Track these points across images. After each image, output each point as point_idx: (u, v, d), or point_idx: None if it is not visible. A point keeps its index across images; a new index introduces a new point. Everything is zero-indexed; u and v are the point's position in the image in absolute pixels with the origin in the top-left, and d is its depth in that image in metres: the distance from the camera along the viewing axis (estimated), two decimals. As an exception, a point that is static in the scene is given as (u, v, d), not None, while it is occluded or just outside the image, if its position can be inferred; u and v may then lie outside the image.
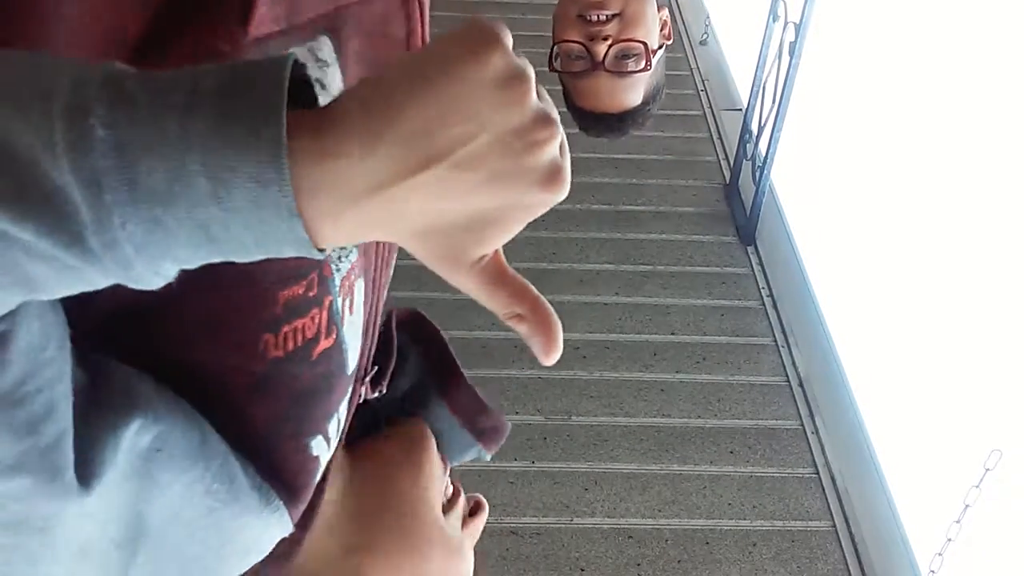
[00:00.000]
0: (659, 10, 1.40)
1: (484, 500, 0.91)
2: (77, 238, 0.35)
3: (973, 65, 4.41)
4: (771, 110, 3.13)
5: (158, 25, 0.46)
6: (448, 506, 0.84)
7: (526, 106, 0.41)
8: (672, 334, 2.97)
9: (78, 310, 0.41)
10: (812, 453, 2.62)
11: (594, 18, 1.35)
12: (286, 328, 0.51)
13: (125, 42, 0.45)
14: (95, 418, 0.42)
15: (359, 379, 0.69)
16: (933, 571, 2.08)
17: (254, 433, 0.52)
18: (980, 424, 2.66)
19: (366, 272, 0.62)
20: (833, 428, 2.69)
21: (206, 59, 0.46)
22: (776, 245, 3.28)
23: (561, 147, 0.43)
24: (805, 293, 3.04)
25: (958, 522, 2.02)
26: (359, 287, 0.61)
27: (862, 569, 2.35)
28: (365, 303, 0.63)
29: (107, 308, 0.44)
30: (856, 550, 2.39)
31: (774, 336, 2.99)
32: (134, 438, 0.43)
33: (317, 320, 0.54)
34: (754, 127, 3.34)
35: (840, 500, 2.51)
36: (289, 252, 0.39)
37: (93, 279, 0.37)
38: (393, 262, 0.72)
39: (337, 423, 0.61)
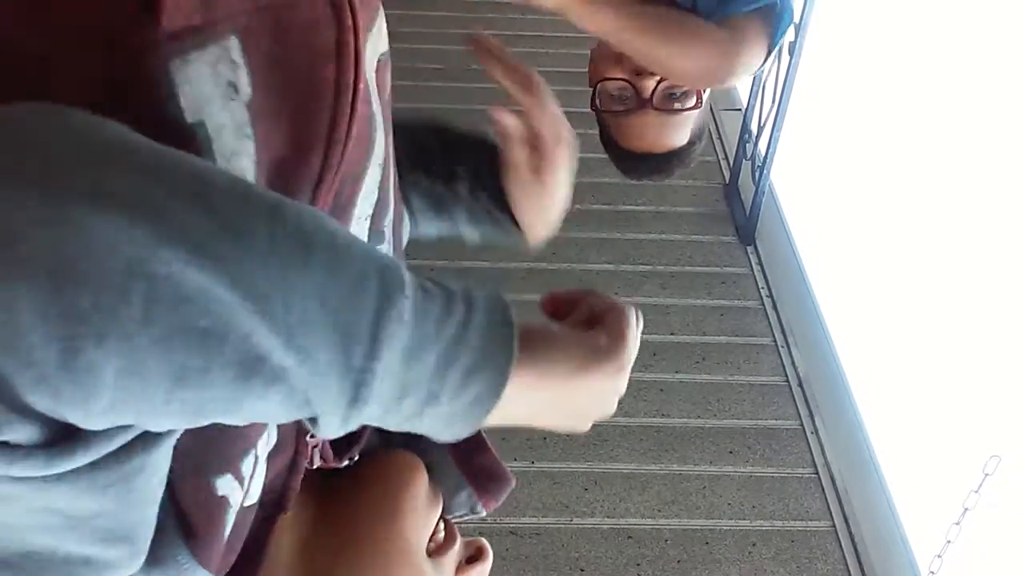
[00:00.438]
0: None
1: (487, 547, 0.85)
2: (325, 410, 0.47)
3: (973, 64, 4.41)
4: (771, 110, 3.13)
5: None
6: (439, 549, 0.78)
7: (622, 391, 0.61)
8: (671, 334, 2.97)
9: None
10: (812, 453, 2.62)
11: None
12: None
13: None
14: None
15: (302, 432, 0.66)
16: (932, 572, 2.09)
17: None
18: (980, 423, 2.67)
19: None
20: (833, 428, 2.69)
21: (114, 48, 0.46)
22: (776, 245, 3.28)
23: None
24: (805, 293, 3.04)
25: (958, 524, 2.02)
26: None
27: (862, 569, 2.35)
28: None
29: None
30: (856, 550, 2.39)
31: (774, 336, 2.98)
32: None
33: None
34: (754, 127, 3.34)
35: (840, 500, 2.51)
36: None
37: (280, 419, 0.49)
38: None
39: (254, 461, 0.58)
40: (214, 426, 0.46)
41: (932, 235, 3.64)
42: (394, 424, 0.50)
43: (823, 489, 2.53)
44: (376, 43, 0.63)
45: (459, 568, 0.80)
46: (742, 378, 2.83)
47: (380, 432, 0.72)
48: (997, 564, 2.50)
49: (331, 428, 0.48)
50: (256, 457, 0.59)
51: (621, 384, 0.60)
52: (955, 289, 3.39)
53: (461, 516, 0.84)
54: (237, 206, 0.41)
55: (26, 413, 0.36)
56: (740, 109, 3.65)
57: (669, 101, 1.30)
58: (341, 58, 0.57)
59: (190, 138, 0.48)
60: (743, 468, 2.57)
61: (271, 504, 0.65)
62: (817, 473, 2.57)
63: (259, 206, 0.42)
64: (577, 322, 0.61)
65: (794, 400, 2.77)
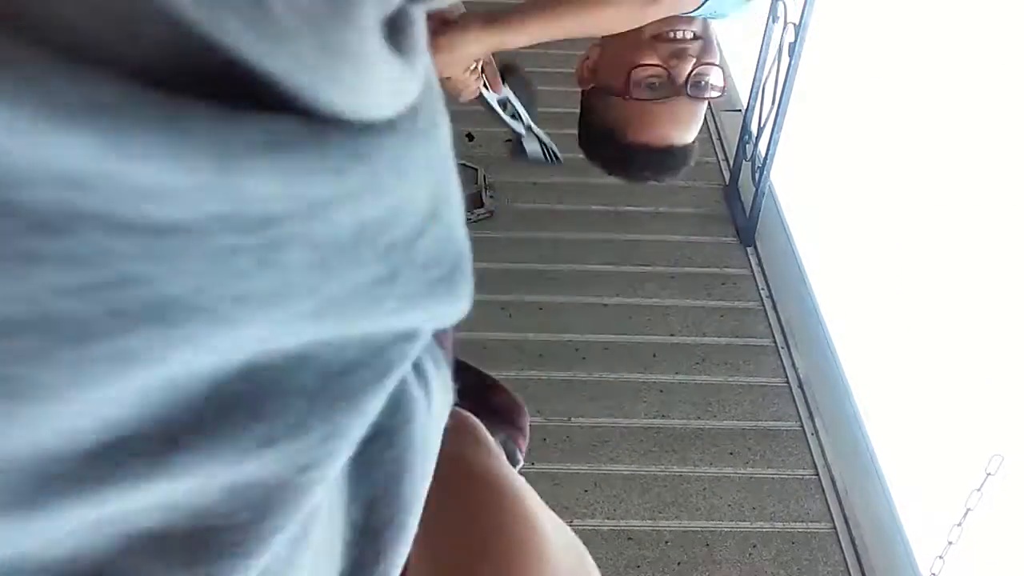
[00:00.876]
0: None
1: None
2: None
3: (973, 65, 4.41)
4: (770, 111, 3.13)
5: None
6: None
7: None
8: (671, 335, 2.96)
9: None
10: (812, 454, 2.62)
11: (679, 35, 1.26)
12: None
13: None
14: None
15: None
16: (934, 573, 2.08)
17: None
18: (980, 426, 2.66)
19: None
20: (833, 429, 2.69)
21: None
22: (776, 246, 3.28)
23: None
24: (805, 294, 3.04)
25: (959, 525, 2.02)
26: None
27: (862, 571, 2.35)
28: None
29: None
30: (856, 552, 2.39)
31: (774, 337, 2.98)
32: None
33: None
34: (753, 128, 3.33)
35: (840, 502, 2.50)
36: None
37: None
38: None
39: None
40: None
41: (932, 235, 3.64)
42: None
43: (823, 490, 2.53)
44: None
45: None
46: (742, 379, 2.83)
47: None
48: (999, 565, 2.50)
49: None
50: None
51: None
52: (955, 288, 3.38)
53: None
54: None
55: None
56: (740, 110, 3.65)
57: (699, 88, 1.28)
58: None
59: None
60: (743, 469, 2.57)
61: None
62: (817, 474, 2.57)
63: None
64: None
65: (794, 401, 2.77)
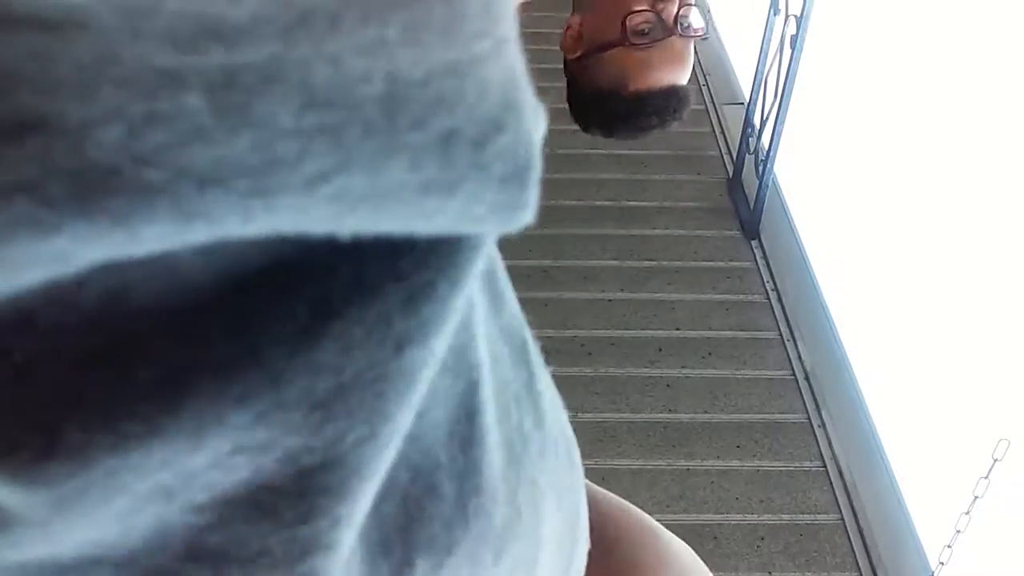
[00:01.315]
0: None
1: None
2: None
3: (976, 57, 4.40)
4: (773, 104, 3.13)
5: None
6: None
7: None
8: (677, 329, 2.97)
9: None
10: (819, 446, 2.62)
11: None
12: None
13: None
14: None
15: None
16: (943, 563, 2.08)
17: None
18: (988, 415, 2.66)
19: None
20: (840, 421, 2.69)
21: None
22: (780, 239, 3.28)
23: None
24: (810, 286, 3.04)
25: (967, 513, 2.02)
26: None
27: (871, 562, 2.35)
28: None
29: None
30: (865, 543, 2.39)
31: (779, 330, 2.98)
32: None
33: None
34: (756, 121, 3.33)
35: (848, 493, 2.50)
36: None
37: None
38: None
39: None
40: None
41: (937, 225, 3.63)
42: None
43: (831, 482, 2.53)
44: None
45: None
46: (748, 372, 2.83)
47: None
48: (1009, 552, 2.50)
49: None
50: None
51: None
52: (960, 278, 3.38)
53: None
54: None
55: None
56: (743, 103, 3.65)
57: (687, 27, 1.33)
58: None
59: None
60: (751, 462, 2.57)
61: None
62: (825, 466, 2.57)
63: None
64: None
65: (801, 393, 2.77)
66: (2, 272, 0.22)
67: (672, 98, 1.37)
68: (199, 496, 0.27)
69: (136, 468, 0.26)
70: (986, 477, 1.98)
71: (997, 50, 4.36)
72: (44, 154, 0.20)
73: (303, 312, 0.27)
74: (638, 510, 0.65)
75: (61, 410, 0.25)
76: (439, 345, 0.30)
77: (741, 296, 3.11)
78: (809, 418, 2.70)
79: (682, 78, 1.37)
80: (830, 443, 2.63)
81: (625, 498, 2.68)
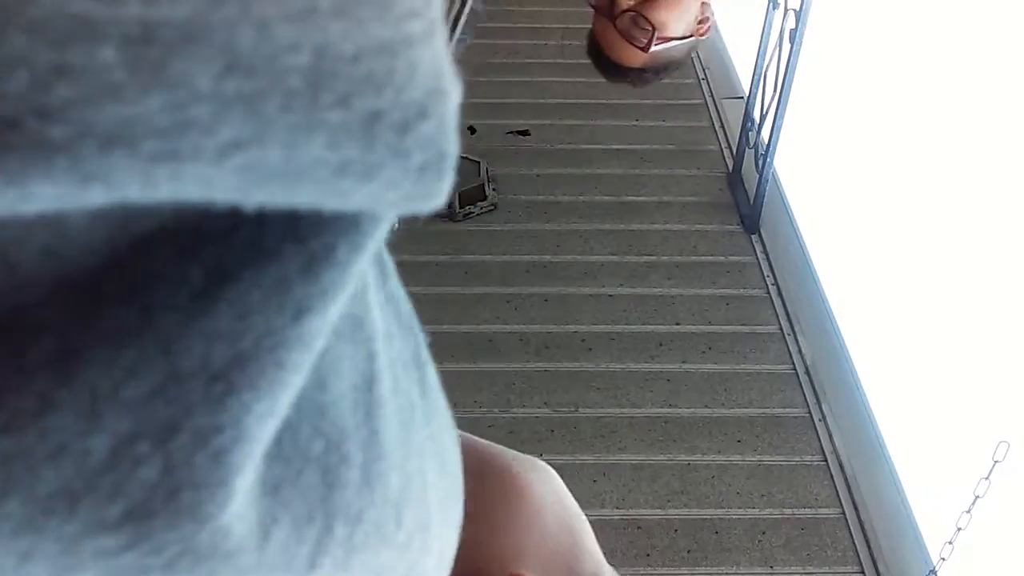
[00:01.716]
0: (702, 5, 1.42)
1: None
2: None
3: (974, 52, 4.40)
4: (773, 98, 3.12)
5: None
6: None
7: None
8: (677, 324, 2.96)
9: None
10: (820, 440, 2.62)
11: None
12: None
13: None
14: None
15: None
16: (943, 559, 2.08)
17: None
18: (990, 410, 2.66)
19: None
20: (840, 415, 2.69)
21: None
22: (780, 233, 3.28)
23: None
24: (810, 280, 3.04)
25: (968, 512, 2.02)
26: None
27: (872, 556, 2.35)
28: None
29: None
30: (866, 537, 2.39)
31: (780, 324, 2.98)
32: None
33: None
34: (756, 115, 3.33)
35: (849, 487, 2.50)
36: None
37: None
38: None
39: None
40: None
41: (936, 220, 3.63)
42: None
43: (832, 476, 2.53)
44: None
45: None
46: (749, 367, 2.83)
47: None
48: (1009, 550, 2.50)
49: None
50: None
51: None
52: (961, 273, 3.38)
53: None
54: None
55: None
56: (742, 97, 3.65)
57: (630, 30, 1.41)
58: None
59: None
60: (751, 457, 2.57)
61: None
62: (826, 460, 2.57)
63: None
64: None
65: (801, 388, 2.77)
66: None
67: (602, 62, 1.51)
68: (106, 505, 0.26)
69: (29, 454, 0.24)
70: (987, 478, 1.98)
71: (996, 45, 4.36)
72: None
73: (198, 276, 0.26)
74: (485, 443, 0.63)
75: None
76: (335, 313, 0.29)
77: (741, 290, 3.11)
78: (810, 412, 2.70)
79: (617, 59, 1.48)
80: (831, 437, 2.63)
81: (626, 494, 2.70)
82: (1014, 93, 4.12)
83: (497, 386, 2.72)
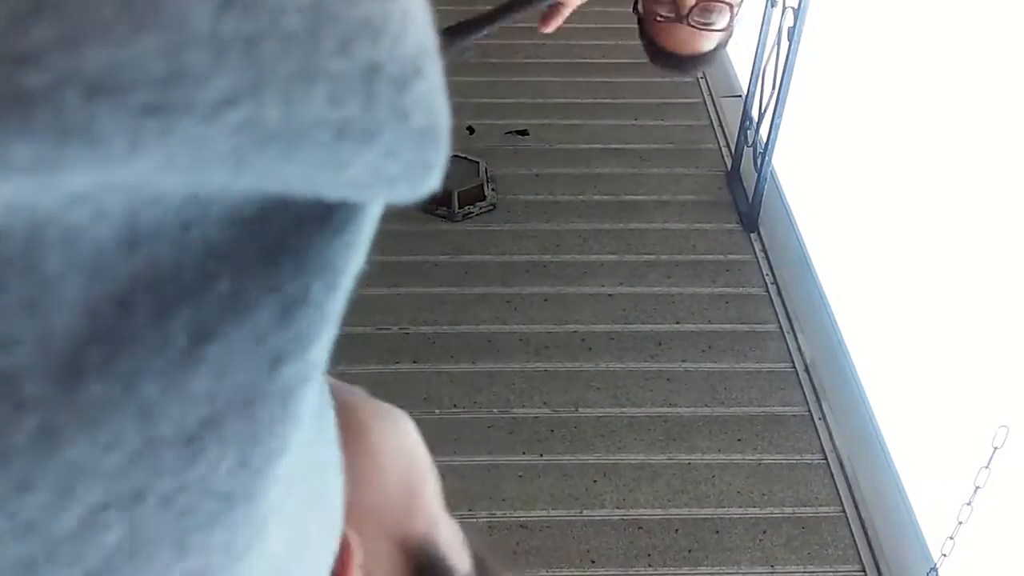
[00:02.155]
0: None
1: None
2: None
3: (973, 49, 4.40)
4: (771, 96, 3.12)
5: None
6: None
7: None
8: (677, 323, 2.96)
9: None
10: (820, 439, 2.62)
11: None
12: None
13: None
14: None
15: None
16: (944, 554, 2.08)
17: None
18: (988, 405, 2.66)
19: None
20: (840, 413, 2.69)
21: None
22: (779, 231, 3.28)
23: None
24: (809, 278, 3.03)
25: (969, 504, 2.01)
26: None
27: (872, 554, 2.35)
28: None
29: None
30: (866, 535, 2.39)
31: (779, 322, 2.98)
32: None
33: None
34: (754, 114, 3.33)
35: (849, 485, 2.50)
36: None
37: None
38: None
39: None
40: None
41: (934, 216, 3.63)
42: None
43: (832, 475, 2.53)
44: None
45: None
46: (749, 365, 2.83)
47: None
48: (1011, 544, 2.49)
49: None
50: None
51: None
52: (958, 269, 3.38)
53: None
54: None
55: None
56: (741, 96, 3.64)
57: (704, 17, 1.45)
58: None
59: None
60: (752, 456, 2.57)
61: None
62: (826, 459, 2.57)
63: None
64: None
65: (801, 386, 2.77)
66: None
67: (673, 60, 1.55)
68: (65, 573, 0.24)
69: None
70: (987, 466, 1.98)
71: (994, 43, 4.36)
72: None
73: (181, 337, 0.24)
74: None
75: None
76: (318, 356, 0.27)
77: (740, 289, 3.11)
78: (809, 410, 2.70)
79: (689, 52, 1.53)
80: (831, 435, 2.63)
81: (627, 493, 2.70)
82: (1013, 91, 4.12)
83: (497, 386, 2.72)
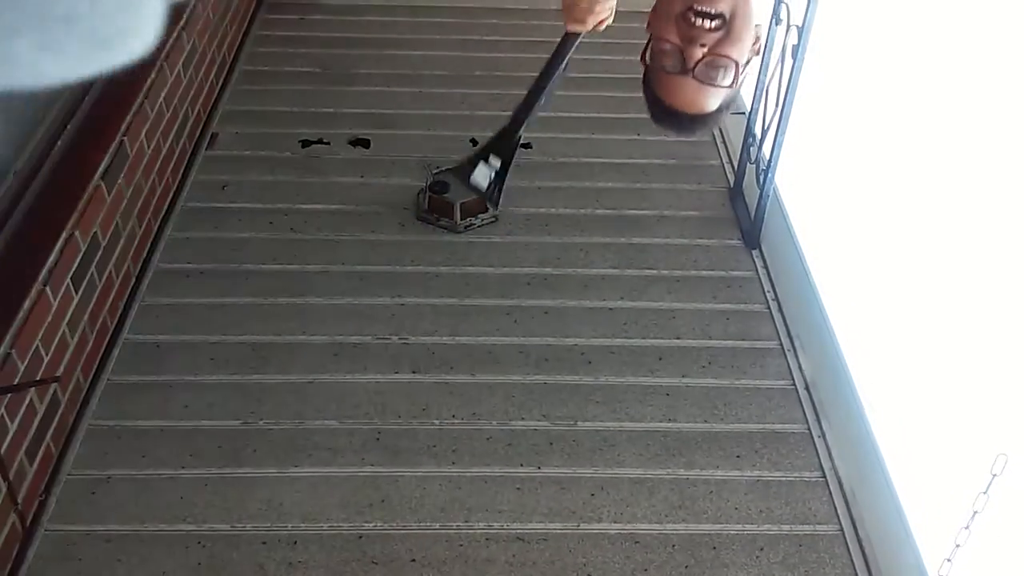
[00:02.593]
0: (756, 26, 1.44)
1: None
2: None
3: (975, 65, 4.41)
4: (774, 113, 3.13)
5: None
6: None
7: None
8: (677, 338, 2.96)
9: None
10: (819, 457, 2.61)
11: (698, 22, 1.36)
12: None
13: None
14: None
15: None
16: None
17: None
18: (988, 427, 2.66)
19: None
20: (840, 431, 2.68)
21: None
22: (781, 248, 3.28)
23: None
24: (810, 296, 3.03)
25: (967, 528, 2.01)
26: None
27: (870, 572, 2.34)
28: None
29: None
30: (864, 554, 2.38)
31: (780, 340, 2.98)
32: None
33: None
34: (758, 131, 3.33)
35: (847, 504, 2.50)
36: None
37: None
38: None
39: None
40: None
41: (936, 236, 3.63)
42: None
43: (830, 493, 2.52)
44: None
45: None
46: (748, 382, 2.83)
47: None
48: (1008, 567, 2.49)
49: None
50: None
51: None
52: (960, 289, 3.38)
53: None
54: None
55: None
56: (744, 113, 3.65)
57: (710, 74, 1.40)
58: None
59: None
60: (750, 472, 2.56)
61: None
62: (824, 477, 2.56)
63: None
64: None
65: (801, 404, 2.76)
66: None
67: (675, 118, 1.50)
68: None
69: None
70: (985, 492, 1.98)
71: (997, 62, 4.37)
72: None
73: None
74: None
75: None
76: None
77: (741, 305, 3.11)
78: (809, 428, 2.69)
79: (692, 110, 1.47)
80: (830, 453, 2.63)
81: (624, 508, 2.70)
82: (1015, 110, 4.13)
83: (496, 398, 2.72)
